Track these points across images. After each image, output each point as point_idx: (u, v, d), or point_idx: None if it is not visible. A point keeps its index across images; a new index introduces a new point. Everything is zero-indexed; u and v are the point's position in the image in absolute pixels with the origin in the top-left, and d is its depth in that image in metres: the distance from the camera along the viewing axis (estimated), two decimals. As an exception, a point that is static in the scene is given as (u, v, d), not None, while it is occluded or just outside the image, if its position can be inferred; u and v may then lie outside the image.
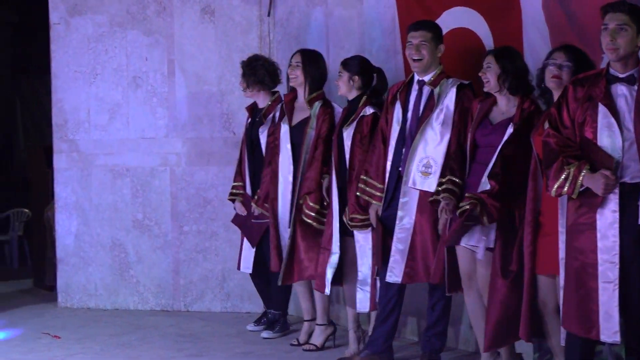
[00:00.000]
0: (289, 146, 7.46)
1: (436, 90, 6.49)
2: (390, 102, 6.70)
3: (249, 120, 8.09)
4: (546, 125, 5.40)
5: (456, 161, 6.22)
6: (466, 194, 5.99)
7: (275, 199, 7.51)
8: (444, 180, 6.20)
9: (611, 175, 5.04)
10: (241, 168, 8.07)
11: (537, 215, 5.66)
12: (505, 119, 6.03)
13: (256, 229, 7.87)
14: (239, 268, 8.13)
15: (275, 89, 7.99)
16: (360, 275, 6.93)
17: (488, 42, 6.64)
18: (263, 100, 7.96)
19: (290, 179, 7.44)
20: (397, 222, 6.55)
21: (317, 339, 7.42)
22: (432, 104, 6.49)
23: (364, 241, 6.89)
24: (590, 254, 5.14)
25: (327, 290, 7.07)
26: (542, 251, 5.63)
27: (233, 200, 8.11)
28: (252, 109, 8.08)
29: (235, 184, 8.12)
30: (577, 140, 5.23)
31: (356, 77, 6.97)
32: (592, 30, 5.86)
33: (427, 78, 6.55)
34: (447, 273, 6.33)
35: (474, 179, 6.08)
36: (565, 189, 5.18)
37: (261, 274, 8.05)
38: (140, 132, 9.05)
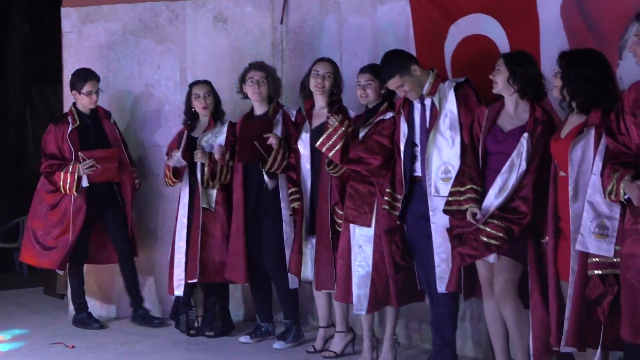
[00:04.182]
0: (308, 151, 7.47)
1: (436, 99, 6.53)
2: (397, 115, 6.80)
3: None
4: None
5: (473, 169, 6.13)
6: (496, 221, 5.86)
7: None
8: (462, 189, 6.12)
9: None
10: None
11: (558, 220, 5.61)
12: (517, 127, 5.98)
13: None
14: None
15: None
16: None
17: (505, 48, 6.56)
18: (260, 108, 7.89)
19: (309, 184, 7.46)
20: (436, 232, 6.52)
21: (337, 345, 7.37)
22: (435, 112, 6.54)
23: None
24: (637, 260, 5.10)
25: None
26: (561, 257, 5.57)
27: None
28: (249, 116, 7.98)
29: None
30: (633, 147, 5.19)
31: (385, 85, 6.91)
32: (611, 35, 5.84)
33: (424, 90, 6.59)
34: (463, 280, 6.33)
35: (487, 185, 6.03)
36: (613, 196, 5.15)
37: (261, 284, 7.98)
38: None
